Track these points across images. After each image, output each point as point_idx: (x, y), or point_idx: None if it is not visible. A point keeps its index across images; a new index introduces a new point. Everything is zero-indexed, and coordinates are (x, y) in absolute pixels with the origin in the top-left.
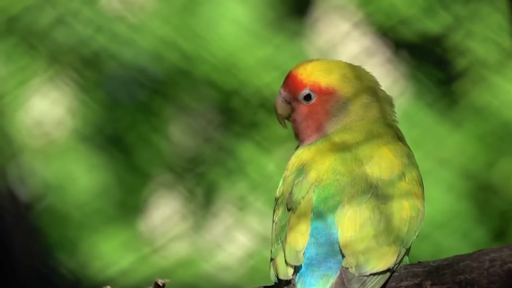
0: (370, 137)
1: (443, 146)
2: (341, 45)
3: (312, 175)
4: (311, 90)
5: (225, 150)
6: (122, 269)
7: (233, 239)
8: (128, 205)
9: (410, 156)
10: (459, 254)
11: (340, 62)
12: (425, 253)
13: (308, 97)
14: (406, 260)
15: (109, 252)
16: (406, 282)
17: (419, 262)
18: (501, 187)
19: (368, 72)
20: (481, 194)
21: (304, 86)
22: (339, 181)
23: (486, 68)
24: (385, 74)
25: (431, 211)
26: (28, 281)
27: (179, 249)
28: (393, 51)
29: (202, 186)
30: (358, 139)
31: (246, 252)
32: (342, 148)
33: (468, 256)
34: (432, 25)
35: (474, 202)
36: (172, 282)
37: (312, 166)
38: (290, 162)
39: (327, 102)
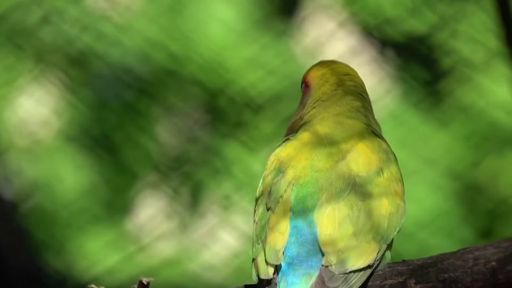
0: (347, 133)
1: (429, 145)
2: (328, 44)
3: (290, 173)
4: (303, 80)
5: (211, 149)
6: (108, 268)
7: (219, 238)
8: (114, 205)
9: (388, 152)
10: (444, 253)
11: (342, 64)
12: (411, 251)
13: (301, 86)
14: (389, 256)
15: (96, 252)
16: (390, 281)
17: (403, 260)
18: (487, 186)
19: (355, 76)
20: (467, 193)
21: (303, 77)
22: (316, 178)
23: (471, 68)
24: (371, 73)
25: (417, 210)
26: (15, 281)
27: (165, 249)
28: (379, 51)
29: (188, 185)
30: (335, 135)
31: (232, 251)
32: (319, 144)
33: (452, 254)
34: (418, 25)
35: (460, 201)
36: (158, 281)
37: (290, 164)
38: (268, 161)
39: (305, 94)
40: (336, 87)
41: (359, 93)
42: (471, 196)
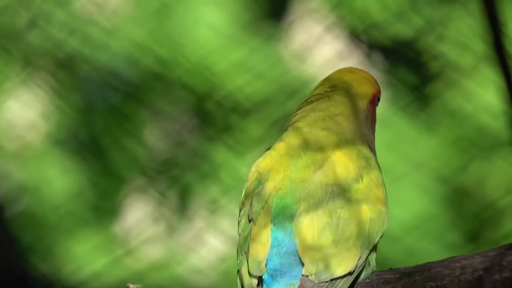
0: (324, 142)
1: (417, 149)
2: (315, 48)
3: (270, 185)
4: None
5: (199, 153)
6: (95, 272)
7: (206, 242)
8: (102, 208)
9: (368, 158)
10: (430, 262)
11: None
12: (398, 256)
13: None
14: (373, 262)
15: (83, 255)
16: None
17: (390, 268)
18: (474, 190)
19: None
20: (455, 197)
21: None
22: (295, 189)
23: (458, 72)
24: None
25: (404, 214)
26: (2, 284)
27: (153, 252)
28: (366, 55)
29: (175, 189)
30: (312, 144)
31: (219, 255)
32: (296, 154)
33: (439, 263)
34: (405, 29)
35: (448, 205)
36: (146, 285)
37: (269, 176)
38: (250, 172)
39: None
40: (329, 94)
41: (354, 102)
42: (459, 200)
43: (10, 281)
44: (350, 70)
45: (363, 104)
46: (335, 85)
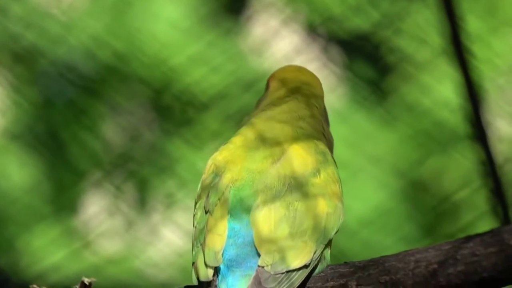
0: (282, 136)
1: (374, 143)
2: (273, 42)
3: (227, 177)
4: (267, 81)
5: (156, 147)
6: (53, 265)
7: (163, 236)
8: (60, 202)
9: (325, 153)
10: (385, 255)
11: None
12: (355, 249)
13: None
14: (328, 257)
15: (41, 248)
16: (332, 283)
17: (345, 262)
18: (431, 184)
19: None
20: (412, 191)
21: None
22: (252, 181)
23: (415, 66)
24: (315, 71)
25: (361, 208)
26: None
27: (110, 246)
28: (323, 49)
29: (132, 183)
30: (270, 138)
31: (175, 249)
32: (254, 147)
33: (394, 256)
34: (362, 23)
35: (405, 199)
36: (103, 278)
37: (227, 167)
38: (207, 165)
39: (263, 95)
40: (290, 94)
41: (312, 102)
42: (416, 193)
43: None
44: (300, 69)
45: (321, 103)
46: (293, 86)
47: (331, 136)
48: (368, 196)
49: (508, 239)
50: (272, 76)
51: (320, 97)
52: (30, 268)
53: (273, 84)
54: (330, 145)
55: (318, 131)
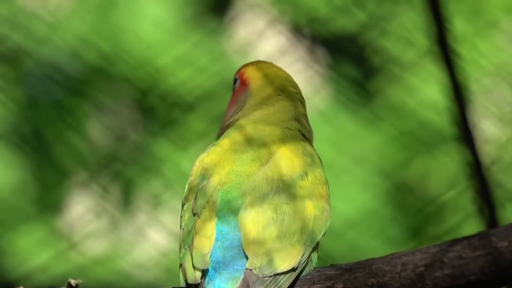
0: (270, 138)
1: (359, 144)
2: (258, 43)
3: (215, 179)
4: (237, 76)
5: (141, 148)
6: (39, 266)
7: (148, 237)
8: (45, 202)
9: (313, 155)
10: (372, 258)
11: (279, 68)
12: (340, 251)
13: (234, 82)
14: (315, 259)
15: (26, 249)
16: (318, 285)
17: (332, 264)
18: (416, 185)
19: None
20: (397, 192)
21: (236, 73)
22: (240, 183)
23: (401, 67)
24: (300, 72)
25: (346, 209)
26: None
27: (96, 246)
28: (308, 49)
29: (118, 184)
30: (259, 137)
31: (161, 250)
32: (242, 149)
33: (381, 259)
34: (348, 24)
35: (390, 200)
36: (89, 279)
37: (214, 170)
38: (194, 167)
39: (240, 92)
40: (279, 92)
41: (299, 99)
42: (401, 195)
43: None
44: (272, 65)
45: (303, 105)
46: (278, 84)
47: (311, 128)
48: (352, 197)
49: (496, 242)
50: (244, 72)
51: (300, 91)
52: (16, 268)
53: (255, 81)
54: (310, 136)
55: (304, 128)
